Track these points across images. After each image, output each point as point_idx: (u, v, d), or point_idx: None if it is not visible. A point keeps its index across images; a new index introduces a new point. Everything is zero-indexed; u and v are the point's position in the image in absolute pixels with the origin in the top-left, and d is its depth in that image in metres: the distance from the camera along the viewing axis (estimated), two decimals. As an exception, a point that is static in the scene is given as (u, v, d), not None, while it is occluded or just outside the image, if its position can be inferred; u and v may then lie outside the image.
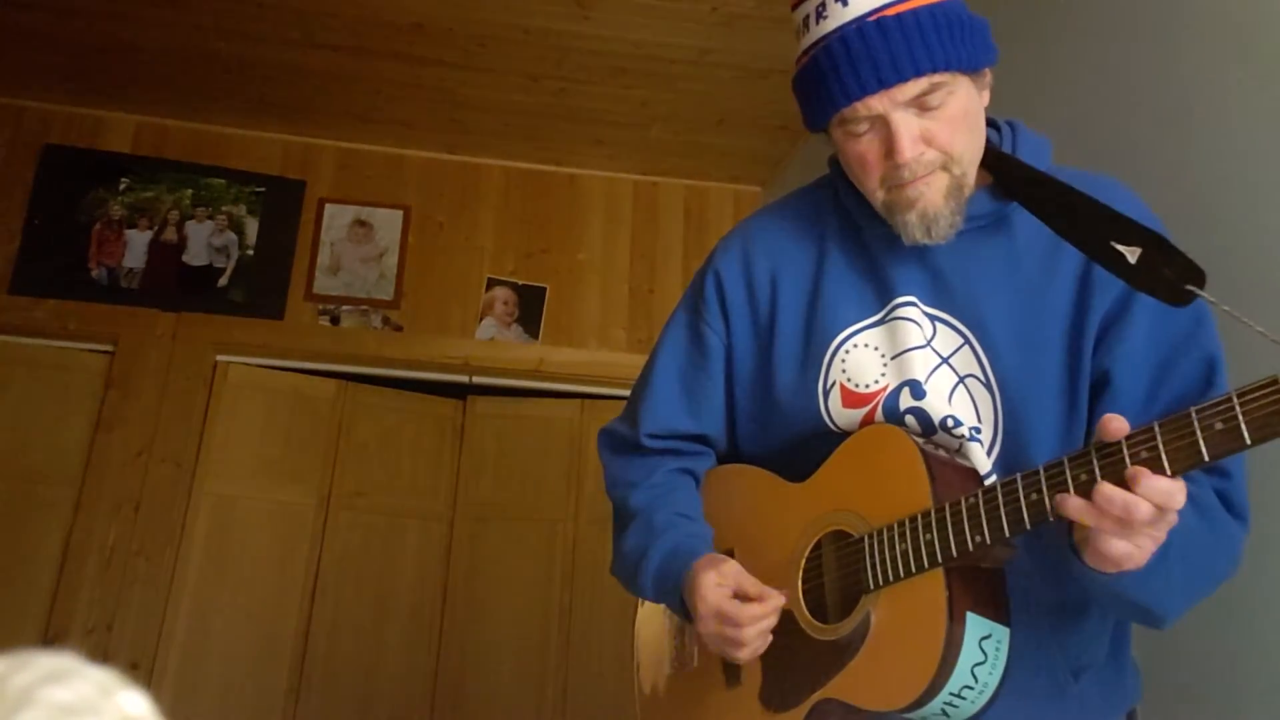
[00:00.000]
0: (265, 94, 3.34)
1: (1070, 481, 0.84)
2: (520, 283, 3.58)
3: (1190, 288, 0.86)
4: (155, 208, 3.42)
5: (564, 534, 3.42)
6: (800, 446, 1.11)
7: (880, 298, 1.10)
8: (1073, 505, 0.82)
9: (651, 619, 1.30)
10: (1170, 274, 0.87)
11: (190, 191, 3.46)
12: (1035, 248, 1.05)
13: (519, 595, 3.36)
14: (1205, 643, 1.54)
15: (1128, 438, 0.82)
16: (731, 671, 1.13)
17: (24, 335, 3.23)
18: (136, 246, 3.37)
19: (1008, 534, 0.88)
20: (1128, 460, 0.81)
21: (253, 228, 3.46)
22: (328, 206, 3.53)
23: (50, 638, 2.91)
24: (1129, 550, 0.82)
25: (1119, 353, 1.01)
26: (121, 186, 3.42)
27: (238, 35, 3.05)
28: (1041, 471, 0.86)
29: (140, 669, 2.90)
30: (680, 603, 1.10)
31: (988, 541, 0.89)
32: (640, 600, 1.31)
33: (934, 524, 0.93)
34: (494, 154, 3.67)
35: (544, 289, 3.58)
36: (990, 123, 1.10)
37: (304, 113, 3.44)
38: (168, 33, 3.05)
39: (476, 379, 3.57)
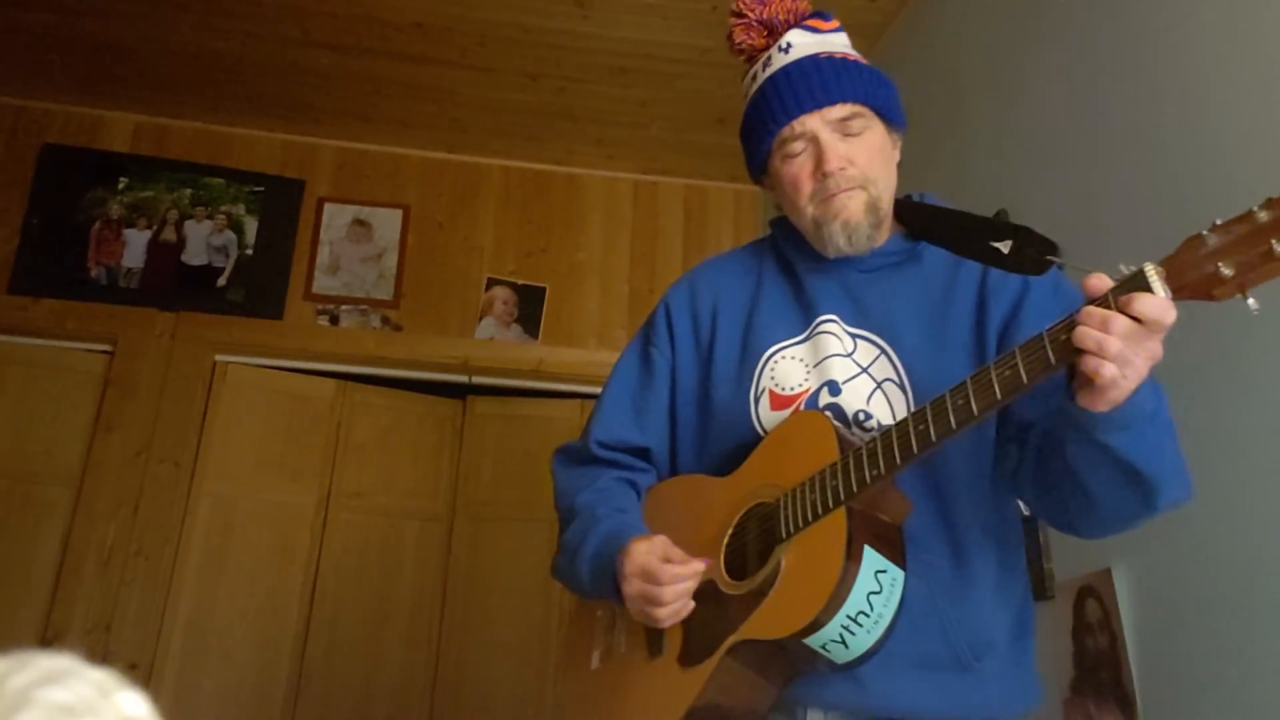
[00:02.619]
0: (264, 93, 3.34)
1: (950, 409, 0.98)
2: (520, 282, 3.57)
3: (1049, 257, 1.06)
4: (154, 207, 3.42)
5: (564, 534, 3.41)
6: (733, 455, 1.23)
7: (806, 318, 1.26)
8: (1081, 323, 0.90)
9: (582, 626, 1.36)
10: (1032, 251, 1.07)
11: (189, 191, 3.46)
12: (939, 274, 1.24)
13: (518, 595, 3.35)
14: (1205, 643, 1.53)
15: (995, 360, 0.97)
16: (654, 643, 1.19)
17: (22, 335, 3.22)
18: (135, 246, 3.36)
19: (899, 461, 1.01)
20: (994, 376, 0.95)
21: (252, 227, 3.45)
22: (327, 206, 3.53)
23: (49, 638, 2.91)
24: (1115, 373, 0.90)
25: (1022, 340, 1.13)
26: (120, 186, 3.42)
27: (237, 34, 3.05)
28: (928, 406, 1.00)
29: (139, 669, 2.89)
30: (614, 586, 1.16)
31: (883, 472, 1.01)
32: (572, 611, 1.40)
33: (839, 470, 1.05)
34: (493, 153, 3.66)
35: (544, 289, 3.58)
36: (906, 195, 1.31)
37: (303, 112, 3.44)
38: (167, 32, 3.05)
39: (476, 379, 3.57)
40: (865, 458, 1.03)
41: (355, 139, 3.58)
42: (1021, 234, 1.09)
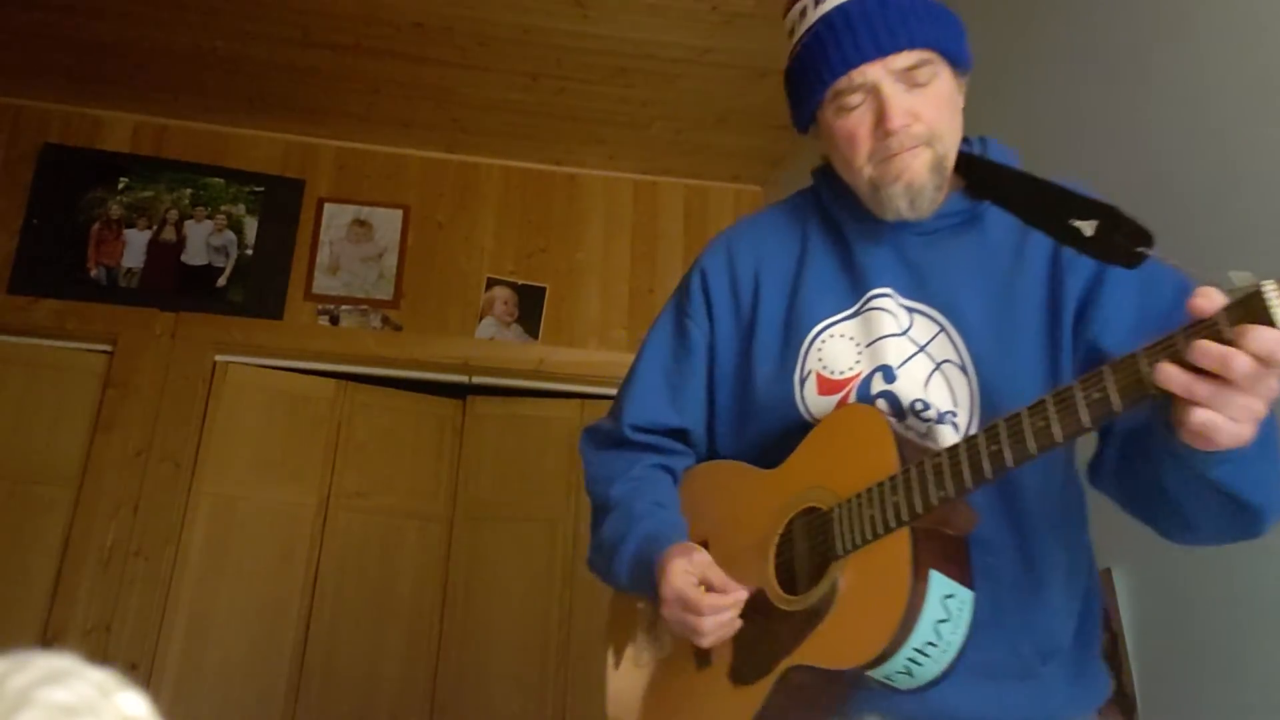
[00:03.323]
0: (264, 93, 3.34)
1: (1029, 431, 0.86)
2: (520, 282, 3.57)
3: (1141, 249, 0.90)
4: (154, 207, 3.42)
5: (563, 534, 3.41)
6: (776, 441, 1.13)
7: (856, 290, 1.14)
8: (1165, 372, 0.77)
9: (623, 613, 1.30)
10: (1122, 240, 0.91)
11: (189, 191, 3.46)
12: (1006, 240, 1.10)
13: (518, 595, 3.36)
14: (1205, 643, 1.53)
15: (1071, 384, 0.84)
16: (702, 653, 1.13)
17: (22, 335, 3.22)
18: (135, 246, 3.36)
19: (969, 485, 0.90)
20: (1080, 398, 0.83)
21: (252, 227, 3.45)
22: (327, 206, 3.53)
23: (49, 638, 2.91)
24: (1222, 423, 0.78)
25: (1100, 323, 1.04)
26: (120, 186, 3.42)
27: (237, 34, 3.04)
28: (1001, 424, 0.89)
29: (139, 669, 2.89)
30: (652, 588, 1.11)
31: (951, 495, 0.91)
32: (611, 597, 1.33)
33: (900, 485, 0.95)
34: (494, 154, 3.66)
35: (544, 289, 3.58)
36: (963, 139, 1.15)
37: (303, 112, 3.44)
38: (167, 32, 3.05)
39: (476, 379, 3.57)
40: (930, 475, 0.93)
41: (355, 139, 3.58)
42: (1109, 215, 0.93)
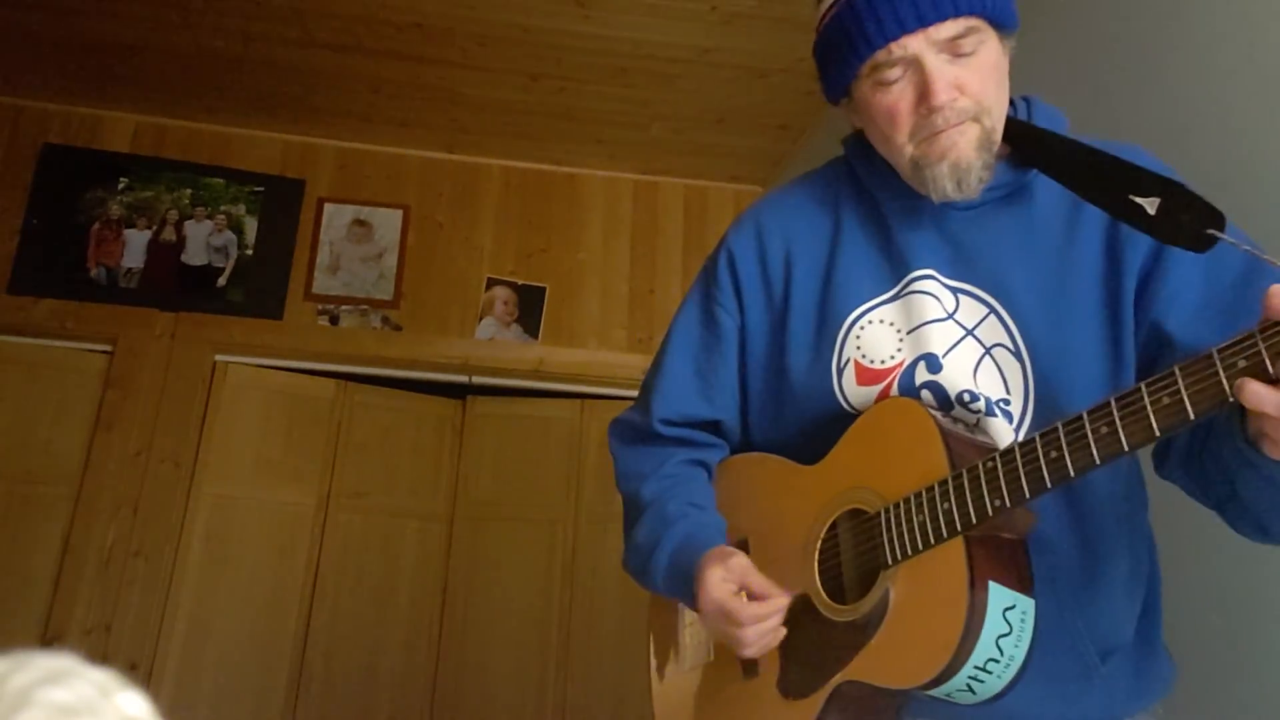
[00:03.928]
0: (264, 93, 3.34)
1: (1091, 437, 0.80)
2: (520, 282, 3.57)
3: (1211, 231, 0.83)
4: (154, 207, 3.42)
5: (563, 534, 3.41)
6: (814, 431, 1.08)
7: (895, 273, 1.07)
8: (1256, 393, 0.71)
9: (665, 614, 1.27)
10: (1189, 220, 0.84)
11: (189, 191, 3.46)
12: (1056, 212, 1.03)
13: (518, 595, 3.36)
14: (1205, 643, 1.53)
15: (1147, 383, 0.78)
16: (749, 662, 1.09)
17: (22, 335, 3.22)
18: (135, 246, 3.36)
19: (1028, 495, 0.84)
20: (1148, 403, 0.77)
21: (252, 227, 3.45)
22: (327, 206, 3.53)
23: (49, 638, 2.91)
24: None
25: (1165, 302, 0.97)
26: (120, 186, 3.42)
27: (237, 34, 3.04)
28: (1060, 428, 0.83)
29: (139, 669, 2.89)
30: (691, 595, 1.07)
31: (1008, 504, 0.86)
32: (652, 596, 1.28)
33: (951, 491, 0.90)
34: (493, 153, 3.66)
35: (544, 289, 3.58)
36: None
37: (303, 112, 3.44)
38: (166, 32, 3.05)
39: (476, 379, 3.57)
40: (984, 481, 0.87)
41: (355, 139, 3.58)
42: (1175, 192, 0.86)
